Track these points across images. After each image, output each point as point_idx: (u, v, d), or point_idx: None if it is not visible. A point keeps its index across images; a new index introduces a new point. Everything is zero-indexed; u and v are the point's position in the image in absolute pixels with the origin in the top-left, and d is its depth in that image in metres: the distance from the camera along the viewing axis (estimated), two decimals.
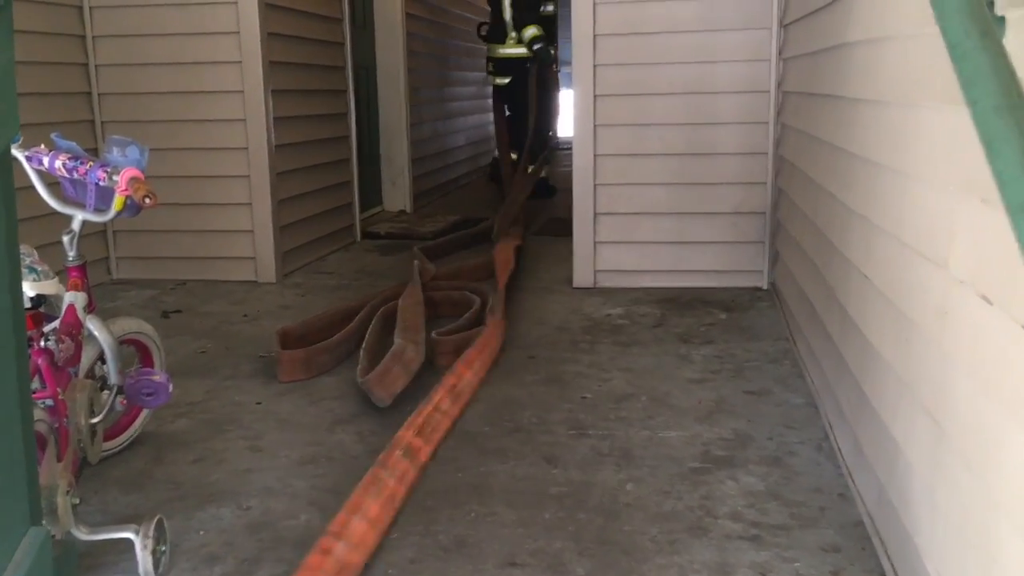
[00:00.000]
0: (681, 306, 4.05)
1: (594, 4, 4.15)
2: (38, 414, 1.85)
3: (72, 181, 2.17)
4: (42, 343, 1.99)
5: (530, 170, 6.87)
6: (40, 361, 1.93)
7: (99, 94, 4.55)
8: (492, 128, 8.79)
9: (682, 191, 4.28)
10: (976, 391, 1.42)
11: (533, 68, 6.93)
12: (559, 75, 7.41)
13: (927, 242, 1.70)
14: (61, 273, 2.22)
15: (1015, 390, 1.26)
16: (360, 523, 2.02)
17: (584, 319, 3.91)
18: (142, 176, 2.05)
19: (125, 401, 2.39)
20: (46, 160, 2.14)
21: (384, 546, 2.05)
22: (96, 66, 4.53)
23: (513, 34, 6.91)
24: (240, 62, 4.45)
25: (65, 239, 2.20)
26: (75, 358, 2.13)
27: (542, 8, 7.03)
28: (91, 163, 2.10)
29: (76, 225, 2.19)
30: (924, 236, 1.71)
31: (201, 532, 2.14)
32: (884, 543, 1.94)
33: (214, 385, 3.16)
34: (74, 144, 2.18)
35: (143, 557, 1.88)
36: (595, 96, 4.24)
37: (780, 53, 4.02)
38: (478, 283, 4.14)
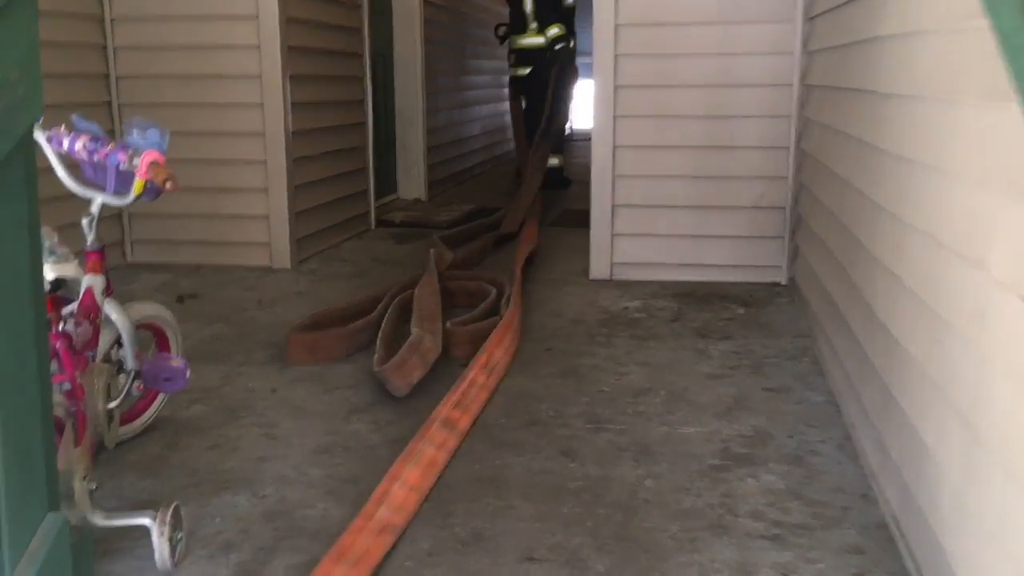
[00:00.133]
0: (698, 300, 4.01)
1: None
2: (56, 398, 1.83)
3: (92, 164, 2.14)
4: (60, 326, 1.98)
5: (539, 156, 6.79)
6: (58, 345, 1.91)
7: (117, 76, 4.53)
8: (507, 118, 8.75)
9: (701, 184, 4.24)
10: (1015, 395, 1.38)
11: (555, 66, 6.89)
12: (577, 67, 7.35)
13: (965, 242, 1.66)
14: (78, 255, 2.20)
15: None
16: (400, 490, 2.15)
17: (600, 312, 3.88)
18: (163, 160, 2.03)
19: (141, 386, 2.37)
20: (66, 142, 2.11)
21: (401, 538, 2.03)
22: (114, 48, 4.51)
23: (534, 24, 6.86)
24: (258, 47, 4.43)
25: (84, 222, 2.18)
26: (93, 342, 2.11)
27: (565, 1, 6.98)
28: (111, 145, 2.07)
29: (95, 208, 2.17)
30: (961, 236, 1.67)
31: (217, 519, 2.12)
32: (909, 546, 1.91)
33: (228, 371, 3.14)
34: (95, 126, 2.16)
35: (159, 544, 1.86)
36: (615, 87, 4.19)
37: (805, 46, 3.97)
38: (494, 274, 4.11)
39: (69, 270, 2.05)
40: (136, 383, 2.33)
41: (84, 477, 1.84)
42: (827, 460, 2.42)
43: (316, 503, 2.21)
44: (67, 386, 1.92)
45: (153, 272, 4.53)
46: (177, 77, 4.51)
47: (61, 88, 4.11)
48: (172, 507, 1.91)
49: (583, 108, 10.18)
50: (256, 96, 4.47)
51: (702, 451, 2.49)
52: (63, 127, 2.15)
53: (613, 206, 4.30)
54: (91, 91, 4.43)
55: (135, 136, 2.08)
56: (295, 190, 4.64)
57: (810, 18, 3.89)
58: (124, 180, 2.09)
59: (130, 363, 2.30)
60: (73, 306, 2.13)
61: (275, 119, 4.49)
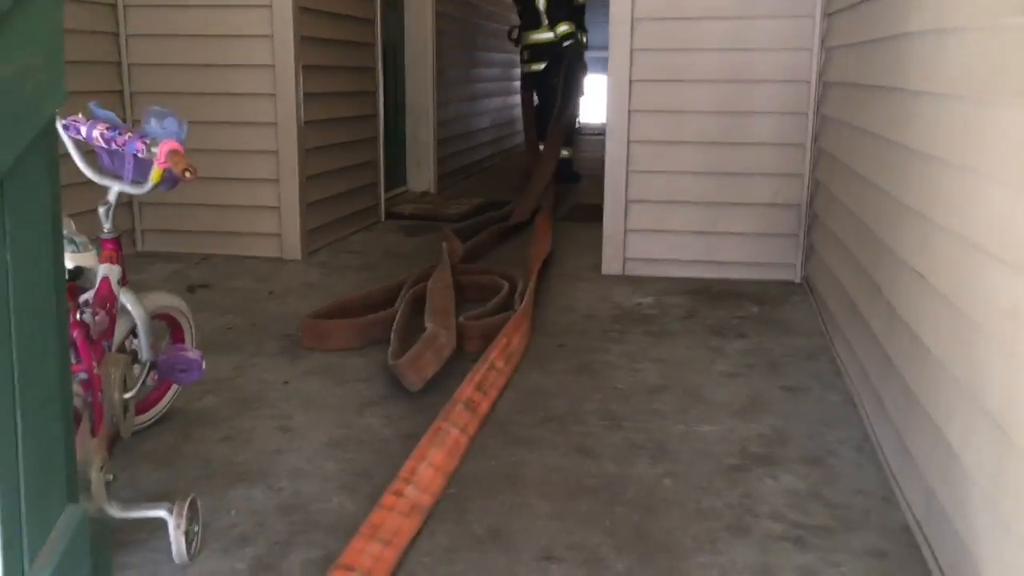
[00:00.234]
0: (712, 297, 3.98)
1: None
2: (73, 388, 1.81)
3: (109, 152, 2.12)
4: (78, 316, 1.95)
5: (552, 143, 6.75)
6: (76, 334, 1.89)
7: (129, 64, 4.51)
8: (516, 111, 8.71)
9: (716, 181, 4.21)
10: None
11: (564, 62, 6.86)
12: (586, 62, 7.30)
13: (998, 243, 1.63)
14: (94, 243, 2.17)
15: None
16: (427, 469, 2.18)
17: (613, 307, 3.85)
18: (181, 149, 2.01)
19: (156, 376, 2.35)
20: (84, 129, 2.09)
21: (418, 534, 2.01)
22: (127, 36, 4.48)
23: (546, 21, 6.84)
24: (271, 36, 4.40)
25: (101, 210, 2.15)
26: (109, 332, 2.09)
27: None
28: (129, 134, 2.05)
29: (112, 196, 2.14)
30: (995, 236, 1.65)
31: (232, 512, 2.11)
32: (934, 550, 1.89)
33: (241, 362, 3.12)
34: (112, 114, 2.13)
35: (176, 537, 1.84)
36: (631, 81, 4.16)
37: (823, 42, 3.93)
38: (506, 268, 4.09)
39: (88, 259, 2.03)
40: (151, 374, 2.31)
41: (101, 468, 1.82)
42: (846, 461, 2.40)
43: (331, 497, 2.19)
44: (84, 376, 1.90)
45: (163, 262, 4.51)
46: (189, 65, 4.48)
47: (72, 75, 4.05)
48: (189, 500, 1.90)
49: (593, 103, 10.14)
50: (269, 86, 4.45)
51: (720, 450, 2.47)
52: (80, 115, 2.13)
53: (627, 201, 4.28)
54: (103, 79, 4.40)
55: (153, 125, 2.06)
56: (306, 181, 4.61)
57: (829, 14, 3.85)
58: (142, 169, 2.07)
59: (145, 353, 2.28)
60: (89, 295, 2.10)
61: (287, 109, 4.46)
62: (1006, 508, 1.51)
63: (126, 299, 2.22)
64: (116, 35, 4.47)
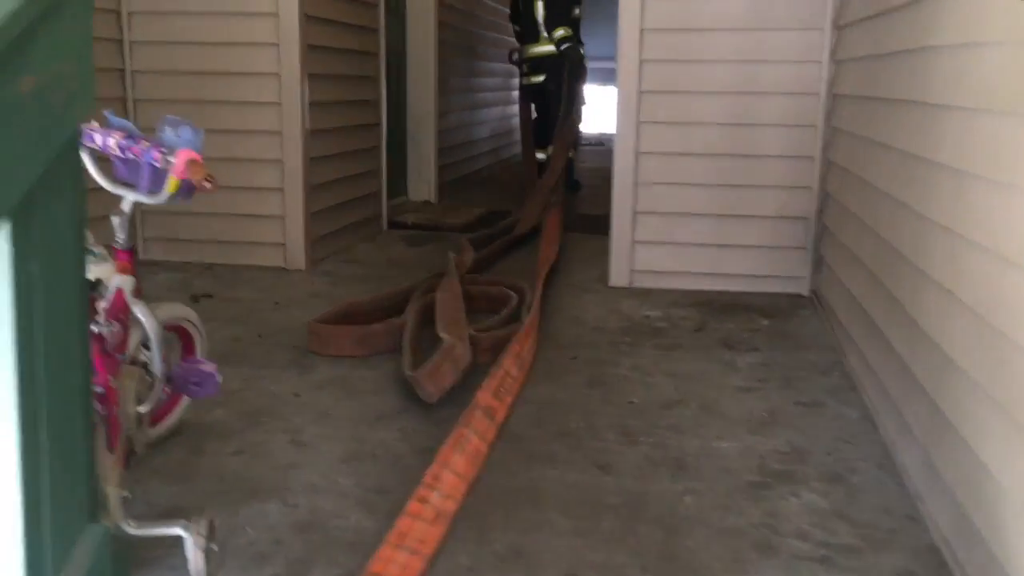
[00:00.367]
0: (720, 310, 3.96)
1: None
2: None
3: (124, 161, 2.08)
4: (94, 328, 1.91)
5: (560, 143, 6.72)
6: (92, 347, 1.85)
7: (132, 71, 4.47)
8: (515, 122, 8.69)
9: (724, 193, 4.19)
10: None
11: (565, 65, 6.85)
12: (586, 67, 7.30)
13: None
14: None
15: None
16: (450, 475, 2.19)
17: (622, 319, 3.82)
18: (200, 158, 1.97)
19: (168, 389, 2.31)
20: (99, 138, 2.05)
21: (439, 552, 1.97)
22: (130, 43, 4.44)
23: (545, 34, 6.84)
24: (277, 44, 4.37)
25: (115, 220, 2.11)
26: (123, 344, 2.05)
27: (573, 12, 6.96)
28: (145, 143, 2.01)
29: (127, 206, 2.10)
30: None
31: (248, 529, 2.06)
32: (964, 570, 1.86)
33: (250, 374, 3.08)
34: (128, 122, 2.09)
35: (194, 555, 1.80)
36: (640, 92, 4.14)
37: (833, 55, 3.92)
38: (515, 279, 4.05)
39: (106, 271, 1.99)
40: (164, 386, 2.26)
41: (117, 484, 1.78)
42: (868, 479, 2.37)
43: (348, 514, 2.15)
44: (99, 389, 1.86)
45: (167, 271, 4.46)
46: (194, 73, 4.44)
47: None
48: (207, 519, 1.85)
49: (595, 113, 10.10)
50: (274, 94, 4.41)
51: (739, 467, 2.44)
52: (94, 123, 2.09)
53: (635, 213, 4.25)
54: (106, 86, 4.36)
55: (168, 133, 2.02)
56: (311, 190, 4.58)
57: (839, 26, 3.85)
58: (157, 178, 2.03)
59: (158, 366, 2.24)
60: (103, 306, 2.06)
61: (292, 118, 4.42)
62: None
63: (139, 311, 2.18)
64: (120, 42, 4.43)
